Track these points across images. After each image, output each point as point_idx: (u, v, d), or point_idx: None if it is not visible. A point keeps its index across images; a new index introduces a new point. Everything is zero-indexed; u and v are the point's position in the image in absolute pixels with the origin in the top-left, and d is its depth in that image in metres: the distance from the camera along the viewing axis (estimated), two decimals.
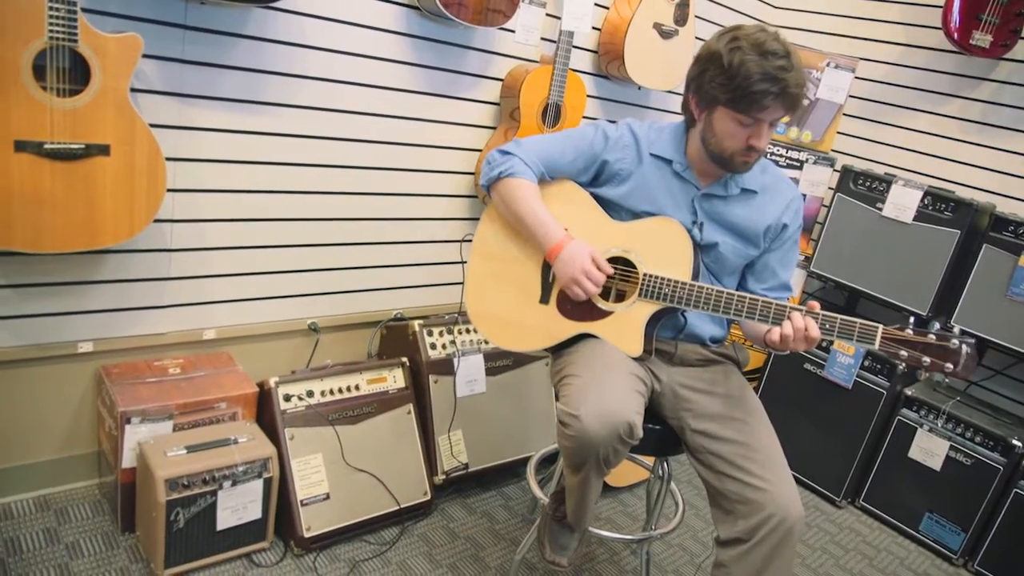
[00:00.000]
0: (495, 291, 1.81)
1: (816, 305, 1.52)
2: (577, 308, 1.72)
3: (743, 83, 1.51)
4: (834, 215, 3.00)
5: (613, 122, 1.80)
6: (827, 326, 1.50)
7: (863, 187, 2.93)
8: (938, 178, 3.02)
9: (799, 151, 3.17)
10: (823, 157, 3.15)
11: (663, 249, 1.67)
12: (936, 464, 2.69)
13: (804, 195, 3.17)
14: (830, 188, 3.11)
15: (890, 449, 2.80)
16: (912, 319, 1.49)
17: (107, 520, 2.00)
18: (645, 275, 1.66)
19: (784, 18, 3.47)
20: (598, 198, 1.78)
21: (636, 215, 1.73)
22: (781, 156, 3.19)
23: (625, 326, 1.68)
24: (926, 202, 2.77)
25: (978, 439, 2.60)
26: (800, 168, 3.17)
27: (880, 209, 2.88)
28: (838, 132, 3.21)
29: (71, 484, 2.09)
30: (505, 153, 1.75)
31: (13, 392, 1.92)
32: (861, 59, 3.14)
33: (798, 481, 3.01)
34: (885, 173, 2.92)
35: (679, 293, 1.62)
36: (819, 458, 2.94)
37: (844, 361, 2.84)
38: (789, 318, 1.52)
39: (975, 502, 2.60)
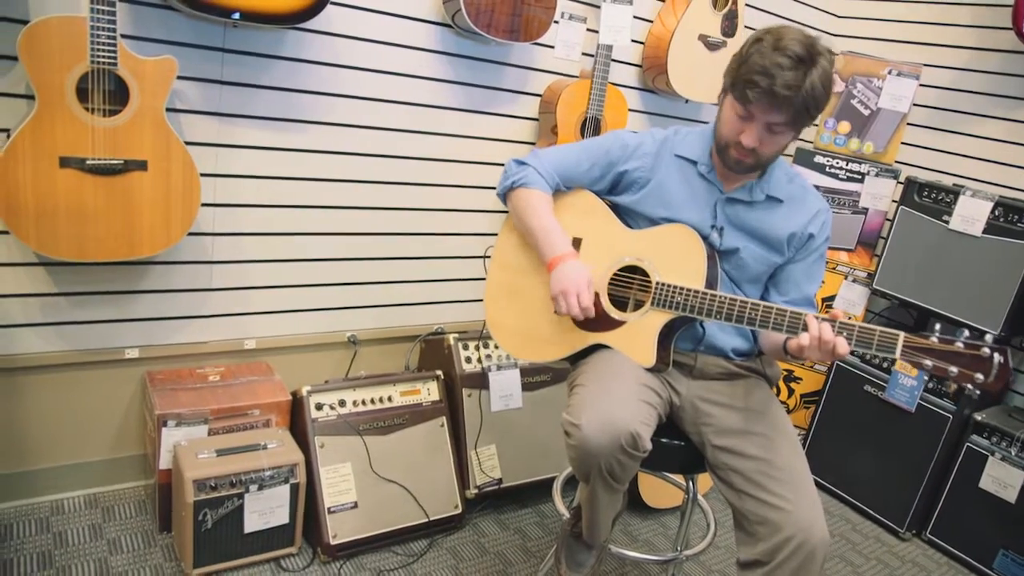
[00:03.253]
0: (511, 301, 1.81)
1: (838, 313, 1.44)
2: (591, 318, 1.70)
3: (743, 70, 1.48)
4: (898, 229, 2.85)
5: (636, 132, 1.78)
6: (844, 334, 1.42)
7: (928, 199, 2.77)
8: (1010, 187, 2.82)
9: (860, 163, 3.03)
10: (886, 169, 3.00)
11: (677, 257, 1.63)
12: (1011, 496, 2.47)
13: (866, 209, 3.04)
14: (894, 201, 2.95)
15: (959, 478, 2.60)
16: (937, 326, 1.38)
17: (148, 519, 2.09)
18: (658, 284, 1.62)
19: (846, 27, 3.34)
20: (615, 206, 1.75)
21: (652, 221, 1.70)
22: (841, 169, 3.06)
23: (638, 336, 1.64)
24: (997, 213, 2.59)
25: None
26: (861, 181, 3.03)
27: (947, 222, 2.71)
28: (902, 143, 3.05)
29: (120, 484, 2.20)
30: (521, 163, 1.76)
31: (66, 395, 2.05)
32: (927, 66, 2.99)
33: (859, 510, 2.85)
34: (953, 184, 2.75)
35: (691, 302, 1.57)
36: (881, 486, 2.76)
37: (906, 383, 2.67)
38: (806, 327, 1.45)
39: None
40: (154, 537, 2.03)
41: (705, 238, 1.64)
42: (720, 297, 1.55)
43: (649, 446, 1.48)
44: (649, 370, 1.63)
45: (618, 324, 1.67)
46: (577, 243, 1.73)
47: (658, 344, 1.63)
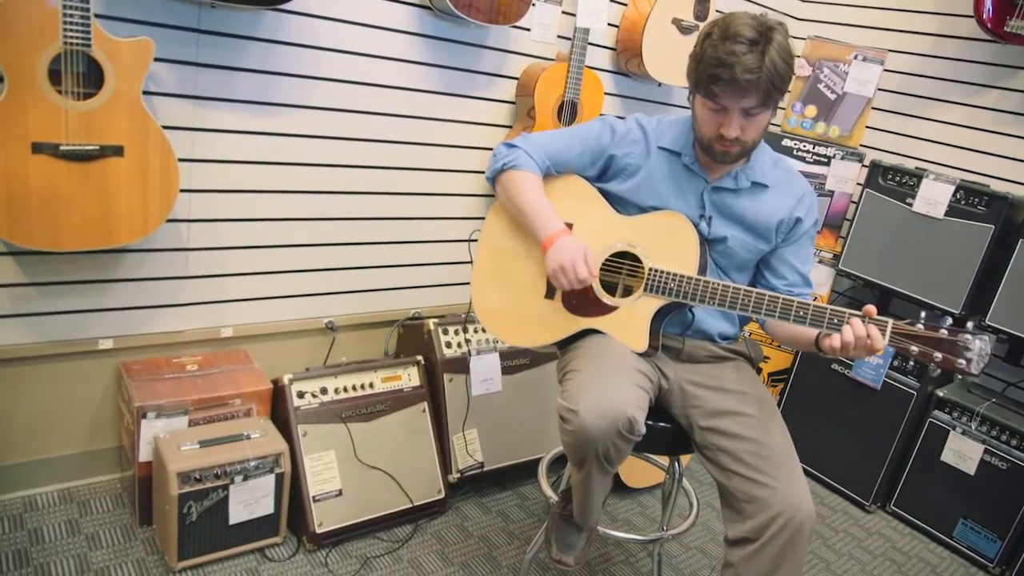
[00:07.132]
0: (500, 286, 1.81)
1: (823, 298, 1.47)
2: (582, 303, 1.71)
3: (702, 68, 1.51)
4: (863, 211, 2.92)
5: (622, 117, 1.78)
6: (835, 321, 1.46)
7: (893, 182, 2.84)
8: (971, 171, 2.92)
9: (826, 147, 3.10)
10: (851, 152, 3.07)
11: (669, 244, 1.64)
12: (970, 468, 2.59)
13: (832, 191, 3.11)
14: (859, 184, 3.03)
15: (921, 452, 2.71)
16: (923, 314, 1.43)
17: (126, 513, 2.05)
18: (650, 270, 1.63)
19: (811, 11, 3.40)
20: (605, 193, 1.76)
21: (643, 210, 1.71)
22: (808, 152, 3.12)
23: (630, 321, 1.66)
24: (958, 196, 2.68)
25: (1014, 442, 2.50)
26: (828, 164, 3.10)
27: (910, 204, 2.79)
28: (867, 127, 3.12)
29: (94, 478, 2.15)
30: (511, 146, 1.75)
31: (38, 388, 1.99)
32: (891, 51, 3.06)
33: (826, 485, 2.94)
34: (916, 167, 2.83)
35: (685, 288, 1.60)
36: (848, 461, 2.86)
37: (872, 361, 2.76)
38: (849, 323, 1.43)
39: (1012, 508, 2.50)
40: (134, 531, 1.99)
41: (695, 226, 1.66)
42: (712, 283, 1.58)
43: (644, 430, 1.51)
44: (639, 354, 1.66)
45: (610, 309, 1.68)
46: (568, 227, 1.74)
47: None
